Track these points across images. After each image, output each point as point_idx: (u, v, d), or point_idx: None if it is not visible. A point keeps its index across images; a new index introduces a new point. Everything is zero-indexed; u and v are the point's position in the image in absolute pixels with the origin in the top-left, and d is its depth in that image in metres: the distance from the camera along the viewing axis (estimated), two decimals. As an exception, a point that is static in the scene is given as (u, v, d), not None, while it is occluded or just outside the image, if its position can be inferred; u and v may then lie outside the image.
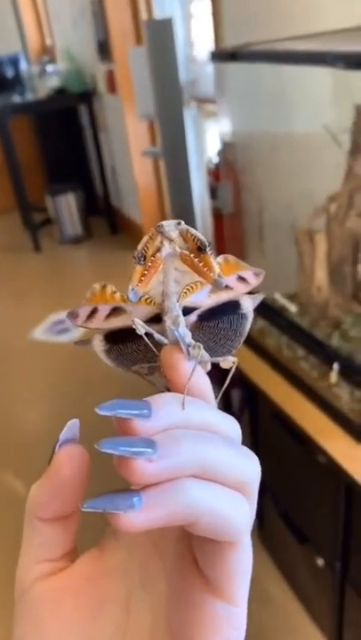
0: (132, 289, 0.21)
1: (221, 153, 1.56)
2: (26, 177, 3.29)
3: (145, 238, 0.21)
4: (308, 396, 0.98)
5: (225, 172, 1.56)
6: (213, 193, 1.64)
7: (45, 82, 3.28)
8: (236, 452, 0.19)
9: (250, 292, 0.26)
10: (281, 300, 1.18)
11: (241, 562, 0.20)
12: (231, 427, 0.21)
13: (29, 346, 2.37)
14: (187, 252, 0.21)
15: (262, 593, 1.22)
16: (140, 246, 0.21)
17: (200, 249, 0.21)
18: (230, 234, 1.61)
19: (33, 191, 3.42)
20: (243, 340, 0.25)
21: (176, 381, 0.21)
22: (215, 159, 1.66)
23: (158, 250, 0.21)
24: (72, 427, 0.21)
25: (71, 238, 3.42)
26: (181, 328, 0.22)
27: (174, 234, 0.21)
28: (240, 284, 0.25)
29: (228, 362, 0.24)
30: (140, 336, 0.22)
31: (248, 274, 0.25)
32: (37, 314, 2.56)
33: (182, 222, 0.21)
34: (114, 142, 3.17)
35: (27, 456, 1.72)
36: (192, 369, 0.21)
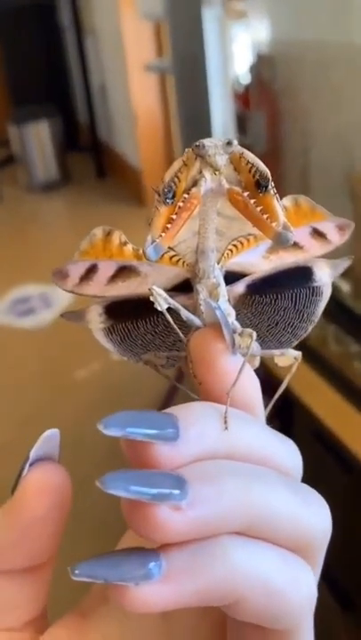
0: (153, 241, 0.19)
1: (254, 70, 1.55)
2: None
3: (177, 163, 0.20)
4: (363, 408, 0.98)
5: (258, 97, 1.55)
6: (242, 125, 1.63)
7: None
8: (300, 498, 0.19)
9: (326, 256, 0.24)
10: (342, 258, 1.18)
11: None
12: (290, 456, 0.20)
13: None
14: (238, 189, 0.20)
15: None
16: (168, 176, 0.20)
17: (259, 184, 0.20)
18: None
19: (-9, 117, 3.41)
20: (312, 327, 0.24)
21: (213, 384, 0.19)
22: (245, 78, 1.65)
23: (195, 183, 0.20)
24: (49, 439, 0.20)
25: (43, 183, 3.42)
26: (222, 303, 0.21)
27: (222, 159, 0.20)
28: (315, 241, 0.24)
29: (287, 358, 0.23)
30: (159, 312, 0.20)
31: (328, 226, 0.24)
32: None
33: (234, 141, 0.20)
34: (105, 51, 3.15)
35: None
36: (239, 367, 0.19)
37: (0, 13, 3.66)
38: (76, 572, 0.16)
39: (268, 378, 1.11)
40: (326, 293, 0.24)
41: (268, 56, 1.51)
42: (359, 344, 1.06)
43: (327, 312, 0.95)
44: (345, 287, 1.15)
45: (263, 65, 1.52)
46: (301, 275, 0.23)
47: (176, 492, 0.16)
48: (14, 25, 3.68)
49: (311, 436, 1.05)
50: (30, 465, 0.19)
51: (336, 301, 1.12)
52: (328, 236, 0.24)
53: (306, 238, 0.24)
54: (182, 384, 0.25)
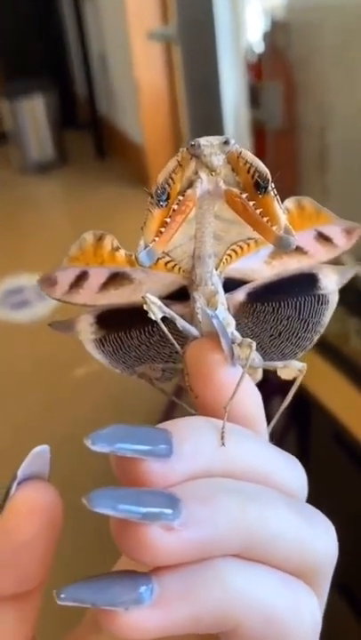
0: (146, 245, 0.20)
1: (268, 37, 1.54)
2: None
3: (171, 163, 0.20)
4: (388, 409, 0.98)
5: (273, 67, 1.54)
6: (255, 98, 1.62)
7: None
8: (303, 520, 0.19)
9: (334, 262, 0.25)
10: (349, 263, 1.17)
11: None
12: (294, 475, 0.20)
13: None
14: (236, 191, 0.20)
15: None
16: (162, 176, 0.20)
17: (258, 185, 0.20)
18: (278, 160, 1.60)
19: (-19, 91, 3.41)
20: (317, 337, 0.24)
21: (210, 398, 0.20)
22: (259, 47, 1.64)
23: (191, 184, 0.20)
24: (38, 456, 0.20)
25: (37, 164, 3.42)
26: (221, 311, 0.21)
27: (218, 159, 0.20)
28: (320, 245, 0.24)
29: (291, 370, 0.23)
30: (155, 322, 0.21)
31: (334, 230, 0.24)
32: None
33: (231, 140, 0.20)
34: (104, 18, 3.15)
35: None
36: (238, 380, 0.19)
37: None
38: (62, 595, 0.16)
39: (283, 384, 1.11)
40: (333, 302, 0.24)
41: (283, 22, 1.51)
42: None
43: (348, 304, 0.95)
44: (368, 276, 1.14)
45: (278, 32, 1.52)
46: (306, 282, 0.24)
47: (168, 511, 0.16)
48: (6, -10, 3.69)
49: (331, 439, 1.05)
50: (18, 484, 0.19)
51: (358, 293, 1.11)
52: (334, 241, 0.24)
53: (310, 243, 0.24)
54: (180, 399, 0.25)
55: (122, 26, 2.86)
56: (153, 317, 0.20)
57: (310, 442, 1.15)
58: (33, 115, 3.37)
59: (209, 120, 1.56)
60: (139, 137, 3.05)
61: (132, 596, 0.16)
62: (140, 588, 0.16)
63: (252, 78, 1.64)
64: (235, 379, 0.19)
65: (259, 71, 1.60)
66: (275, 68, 1.53)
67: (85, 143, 3.52)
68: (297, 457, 0.19)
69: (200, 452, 0.18)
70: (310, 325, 0.24)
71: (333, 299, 0.24)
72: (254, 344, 0.20)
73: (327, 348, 1.09)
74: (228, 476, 0.18)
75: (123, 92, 3.16)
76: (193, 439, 0.18)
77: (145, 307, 0.20)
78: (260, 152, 1.70)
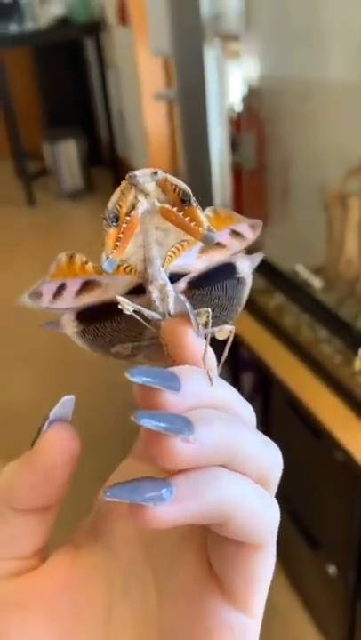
0: (107, 257, 0.20)
1: (245, 100, 1.53)
2: (21, 119, 3.25)
3: (116, 194, 0.20)
4: (329, 383, 0.97)
5: (248, 122, 1.53)
6: (235, 145, 1.61)
7: (47, 9, 3.22)
8: (261, 440, 0.19)
9: (247, 252, 0.25)
10: (304, 273, 1.17)
11: (264, 568, 0.20)
12: (249, 411, 0.21)
13: (16, 312, 2.37)
14: (168, 206, 0.20)
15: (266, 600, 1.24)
16: (110, 204, 0.20)
17: (183, 201, 0.20)
18: (251, 193, 1.59)
19: (28, 136, 3.38)
20: (241, 308, 0.25)
21: (187, 359, 0.20)
22: (238, 107, 1.63)
23: (133, 207, 0.20)
24: (66, 404, 0.20)
25: (70, 192, 3.40)
26: (172, 298, 0.22)
27: (150, 186, 0.20)
28: (234, 239, 0.24)
29: (224, 332, 0.24)
30: (119, 313, 0.21)
31: (243, 227, 0.25)
32: (28, 277, 2.56)
33: (159, 171, 0.20)
34: (123, 82, 3.12)
35: (6, 436, 1.74)
36: (204, 344, 0.20)
37: (39, 50, 3.64)
38: (108, 494, 0.17)
39: (252, 356, 1.10)
40: (248, 281, 0.25)
41: (256, 89, 1.50)
42: (327, 331, 1.05)
43: (301, 303, 0.94)
44: (317, 283, 1.14)
45: (252, 96, 1.51)
46: (228, 269, 0.24)
47: (186, 428, 0.17)
48: (49, 60, 3.66)
49: (286, 405, 1.05)
50: (49, 423, 0.20)
51: (309, 295, 1.11)
52: (244, 235, 0.25)
53: (227, 238, 0.24)
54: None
55: (135, 88, 2.84)
56: (127, 312, 0.21)
57: (271, 408, 1.15)
58: (67, 154, 3.35)
59: (199, 160, 1.56)
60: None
61: (158, 494, 0.17)
62: (162, 489, 0.17)
63: (233, 131, 1.63)
64: (202, 342, 0.20)
65: (238, 125, 1.59)
66: (250, 123, 1.52)
67: (107, 177, 3.50)
68: (261, 418, 0.19)
69: (200, 390, 0.19)
70: (235, 301, 0.24)
71: (249, 279, 0.25)
72: (210, 310, 0.21)
73: (285, 337, 1.08)
74: (214, 407, 0.19)
75: (136, 138, 3.14)
76: (194, 381, 0.18)
77: (119, 306, 0.21)
78: (237, 187, 1.69)
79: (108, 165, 3.52)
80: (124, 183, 0.20)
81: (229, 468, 0.18)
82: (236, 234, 0.24)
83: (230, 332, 0.23)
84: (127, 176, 0.20)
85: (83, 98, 3.73)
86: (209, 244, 0.21)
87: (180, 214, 0.20)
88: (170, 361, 0.20)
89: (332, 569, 1.05)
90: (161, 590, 0.21)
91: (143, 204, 0.20)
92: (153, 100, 2.64)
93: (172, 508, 0.17)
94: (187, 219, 0.20)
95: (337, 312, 1.06)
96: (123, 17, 2.81)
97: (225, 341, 0.23)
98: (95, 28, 3.19)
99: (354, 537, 0.95)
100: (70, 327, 0.23)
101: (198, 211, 0.20)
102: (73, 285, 0.23)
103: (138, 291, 0.22)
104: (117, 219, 0.20)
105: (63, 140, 3.34)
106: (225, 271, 0.24)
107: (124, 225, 0.20)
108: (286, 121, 1.47)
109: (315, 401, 0.96)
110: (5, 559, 0.20)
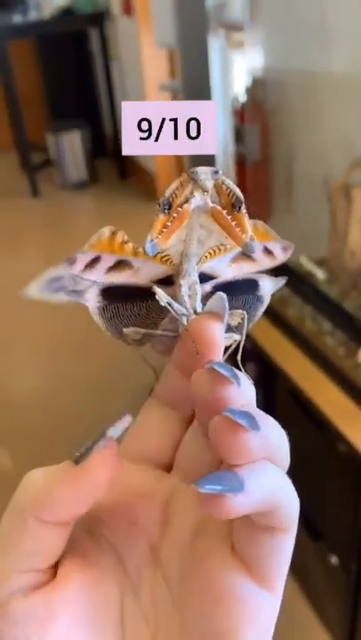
0: (152, 240, 0.21)
1: (249, 91, 1.52)
2: (25, 111, 3.23)
3: (175, 184, 0.21)
4: (332, 375, 0.97)
5: (252, 113, 1.52)
6: (238, 137, 1.60)
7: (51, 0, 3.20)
8: (281, 431, 0.20)
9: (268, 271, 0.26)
10: (307, 264, 1.16)
11: (289, 550, 0.20)
12: (250, 391, 0.21)
13: (22, 302, 2.38)
14: (219, 208, 0.21)
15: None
16: (167, 192, 0.21)
17: (234, 205, 0.21)
18: (255, 185, 1.58)
19: (32, 128, 3.36)
20: (252, 324, 0.25)
21: (213, 355, 0.21)
22: (242, 98, 1.62)
23: (187, 200, 0.21)
24: (124, 423, 0.20)
25: (74, 183, 3.39)
26: (200, 296, 0.22)
27: (209, 184, 0.21)
28: (265, 257, 0.25)
29: (229, 339, 0.24)
30: (142, 299, 0.22)
31: (276, 247, 0.25)
32: (33, 267, 2.56)
33: (220, 171, 0.21)
34: (127, 74, 3.11)
35: (14, 422, 1.74)
36: (240, 342, 0.21)
37: (42, 41, 3.62)
38: (206, 486, 0.17)
39: (255, 347, 1.10)
40: (266, 301, 0.25)
41: (260, 80, 1.49)
42: (330, 322, 1.05)
43: (305, 295, 0.94)
44: (320, 275, 1.13)
45: (257, 87, 1.50)
46: (252, 285, 0.25)
47: (256, 425, 0.18)
48: (53, 51, 3.64)
49: (288, 396, 1.05)
50: (105, 445, 0.19)
51: (312, 287, 1.10)
52: (275, 254, 0.25)
53: (259, 254, 0.25)
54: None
55: (139, 80, 2.83)
56: (162, 303, 0.21)
57: (274, 399, 1.15)
58: (71, 146, 3.34)
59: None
60: (151, 165, 3.03)
61: (236, 485, 0.17)
62: (236, 481, 0.17)
63: (237, 122, 1.62)
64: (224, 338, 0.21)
65: (242, 116, 1.58)
66: (254, 114, 1.51)
67: (111, 168, 3.49)
68: (264, 410, 0.19)
69: (241, 386, 0.19)
70: (249, 317, 0.25)
71: (267, 300, 0.25)
72: (245, 313, 0.22)
73: (289, 329, 1.08)
74: (248, 403, 0.19)
75: (139, 130, 3.13)
76: (236, 382, 0.19)
77: (156, 296, 0.21)
78: (241, 178, 1.68)
79: (111, 156, 3.51)
80: (184, 175, 0.21)
81: (272, 461, 0.19)
82: (268, 251, 0.25)
83: (235, 340, 0.24)
84: (190, 170, 0.21)
85: (87, 89, 3.71)
86: (249, 252, 0.21)
87: (229, 218, 0.21)
88: (192, 352, 0.21)
89: (334, 559, 1.05)
90: (181, 586, 0.21)
91: (197, 200, 0.21)
92: (157, 91, 2.63)
93: (245, 499, 0.17)
94: (234, 223, 0.21)
95: (341, 304, 1.06)
96: (127, 7, 2.80)
97: (228, 347, 0.24)
98: (99, 18, 3.17)
99: (356, 528, 0.95)
100: (94, 301, 0.24)
101: (246, 219, 0.21)
102: (107, 261, 0.23)
103: (164, 282, 0.23)
104: (170, 207, 0.21)
105: (67, 131, 3.32)
106: (248, 286, 0.25)
107: (175, 215, 0.21)
108: (290, 112, 1.46)
109: (318, 392, 0.96)
110: (25, 572, 0.19)
